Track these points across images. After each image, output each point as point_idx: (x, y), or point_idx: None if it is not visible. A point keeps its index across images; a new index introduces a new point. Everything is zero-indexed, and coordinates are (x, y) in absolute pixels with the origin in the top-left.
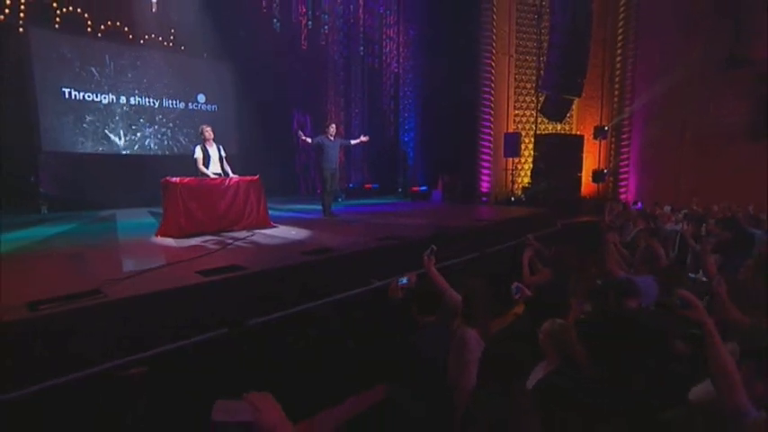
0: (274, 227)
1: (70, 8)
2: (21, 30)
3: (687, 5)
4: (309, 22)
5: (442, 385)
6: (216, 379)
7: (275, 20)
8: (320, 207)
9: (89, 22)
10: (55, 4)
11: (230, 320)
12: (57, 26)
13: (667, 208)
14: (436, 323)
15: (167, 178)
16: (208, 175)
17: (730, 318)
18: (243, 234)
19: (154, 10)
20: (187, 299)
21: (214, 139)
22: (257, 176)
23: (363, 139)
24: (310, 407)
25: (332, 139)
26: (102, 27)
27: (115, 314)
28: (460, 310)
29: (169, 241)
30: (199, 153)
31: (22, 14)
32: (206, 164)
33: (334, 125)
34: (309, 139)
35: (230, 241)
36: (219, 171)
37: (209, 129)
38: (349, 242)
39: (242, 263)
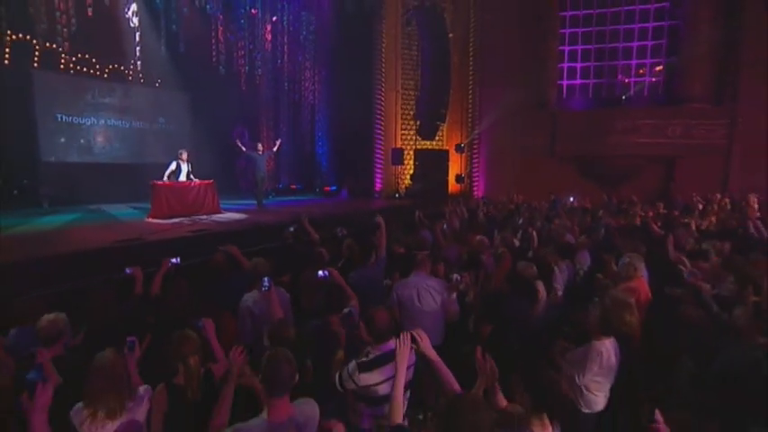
0: (223, 213)
1: (75, 56)
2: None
3: (510, 63)
4: (247, 68)
5: None
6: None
7: (221, 67)
8: (255, 201)
9: (94, 65)
10: (61, 50)
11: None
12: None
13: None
14: None
15: (155, 182)
16: (178, 180)
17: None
18: (203, 217)
19: (138, 55)
20: (183, 243)
21: (187, 160)
22: (212, 180)
23: (278, 142)
24: None
25: (260, 153)
26: (88, 66)
27: (152, 249)
28: None
29: (158, 221)
30: (173, 166)
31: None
32: (177, 174)
33: (260, 143)
34: (244, 149)
35: (197, 220)
36: (184, 178)
37: (184, 152)
38: (270, 219)
39: (208, 227)
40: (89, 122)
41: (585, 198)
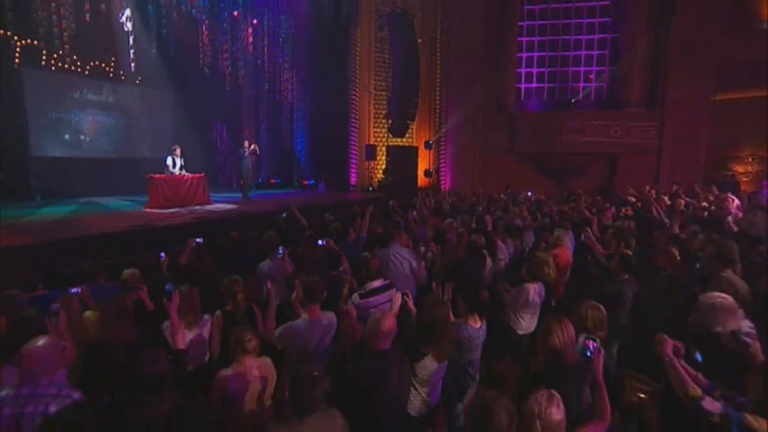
0: (212, 203)
1: (59, 53)
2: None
3: (474, 67)
4: (230, 69)
5: None
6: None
7: (206, 68)
8: (239, 194)
9: (77, 64)
10: (44, 51)
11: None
12: (43, 65)
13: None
14: None
15: (151, 175)
16: (173, 173)
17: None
18: (196, 207)
19: (131, 57)
20: (187, 228)
21: (180, 155)
22: (203, 174)
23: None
24: None
25: (245, 153)
26: (81, 67)
27: (158, 233)
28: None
29: (156, 210)
30: (169, 161)
31: (17, 59)
32: (173, 168)
33: (247, 142)
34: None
35: (191, 209)
36: (177, 172)
37: (178, 148)
38: (258, 209)
39: (204, 215)
40: (78, 118)
41: (541, 191)
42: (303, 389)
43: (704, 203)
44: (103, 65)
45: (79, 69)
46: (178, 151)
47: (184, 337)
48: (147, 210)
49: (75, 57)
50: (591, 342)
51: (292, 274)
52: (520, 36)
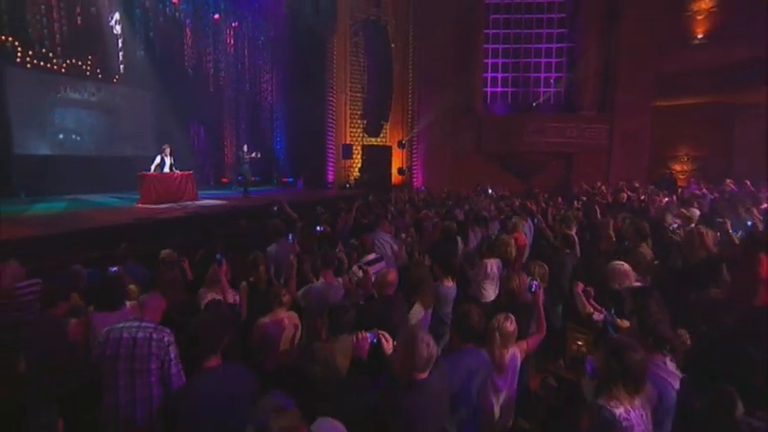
0: (200, 200)
1: (42, 51)
2: None
3: (444, 72)
4: (212, 70)
5: None
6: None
7: (190, 69)
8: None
9: (62, 63)
10: (20, 50)
11: (202, 225)
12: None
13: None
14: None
15: (143, 173)
16: (164, 171)
17: None
18: (187, 203)
19: (120, 59)
20: (186, 220)
21: (170, 153)
22: (191, 171)
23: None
24: None
25: (245, 157)
26: (66, 67)
27: (159, 227)
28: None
29: (149, 206)
30: (158, 159)
31: None
32: (162, 166)
33: (246, 147)
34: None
35: (182, 205)
36: (167, 170)
37: (167, 147)
38: (246, 204)
39: (197, 210)
40: (62, 117)
41: (504, 187)
42: (338, 315)
43: (643, 197)
44: (89, 65)
45: (63, 69)
46: (168, 150)
47: (233, 295)
48: (141, 205)
49: (59, 56)
50: (534, 282)
51: (299, 253)
52: (486, 43)
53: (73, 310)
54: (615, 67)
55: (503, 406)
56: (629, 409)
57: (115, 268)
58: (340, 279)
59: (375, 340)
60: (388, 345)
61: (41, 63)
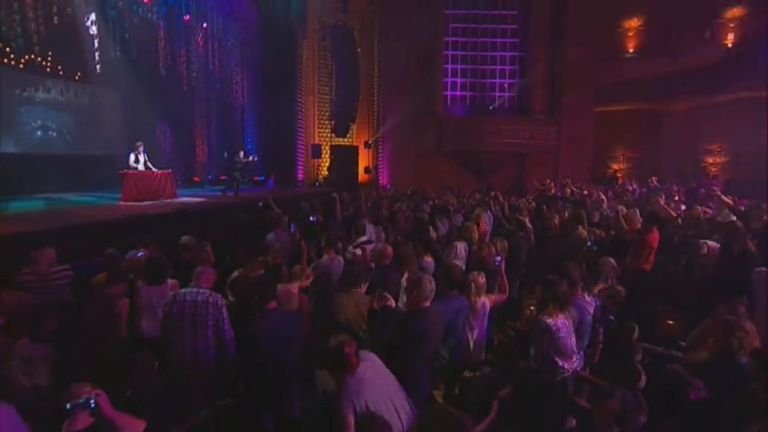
0: (178, 198)
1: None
2: None
3: (407, 76)
4: (185, 71)
5: None
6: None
7: (162, 69)
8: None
9: (32, 62)
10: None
11: (191, 222)
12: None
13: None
14: None
15: (125, 171)
16: (136, 168)
17: None
18: (167, 200)
19: (98, 61)
20: (174, 217)
21: (143, 151)
22: (170, 170)
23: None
24: None
25: (240, 161)
26: (39, 65)
27: (149, 220)
28: None
29: (131, 203)
30: (132, 157)
31: None
32: (137, 164)
33: (242, 152)
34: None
35: (164, 202)
36: (142, 167)
37: (141, 145)
38: (227, 200)
39: (181, 207)
40: (30, 116)
41: (466, 189)
42: (353, 270)
43: (585, 192)
44: (63, 64)
45: (36, 66)
46: (141, 148)
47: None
48: (123, 203)
49: (36, 54)
50: (497, 257)
51: (300, 239)
52: (446, 50)
53: (128, 288)
54: (561, 75)
55: (475, 342)
56: (557, 321)
57: (142, 252)
58: (340, 257)
59: None
60: (391, 302)
61: (10, 61)
